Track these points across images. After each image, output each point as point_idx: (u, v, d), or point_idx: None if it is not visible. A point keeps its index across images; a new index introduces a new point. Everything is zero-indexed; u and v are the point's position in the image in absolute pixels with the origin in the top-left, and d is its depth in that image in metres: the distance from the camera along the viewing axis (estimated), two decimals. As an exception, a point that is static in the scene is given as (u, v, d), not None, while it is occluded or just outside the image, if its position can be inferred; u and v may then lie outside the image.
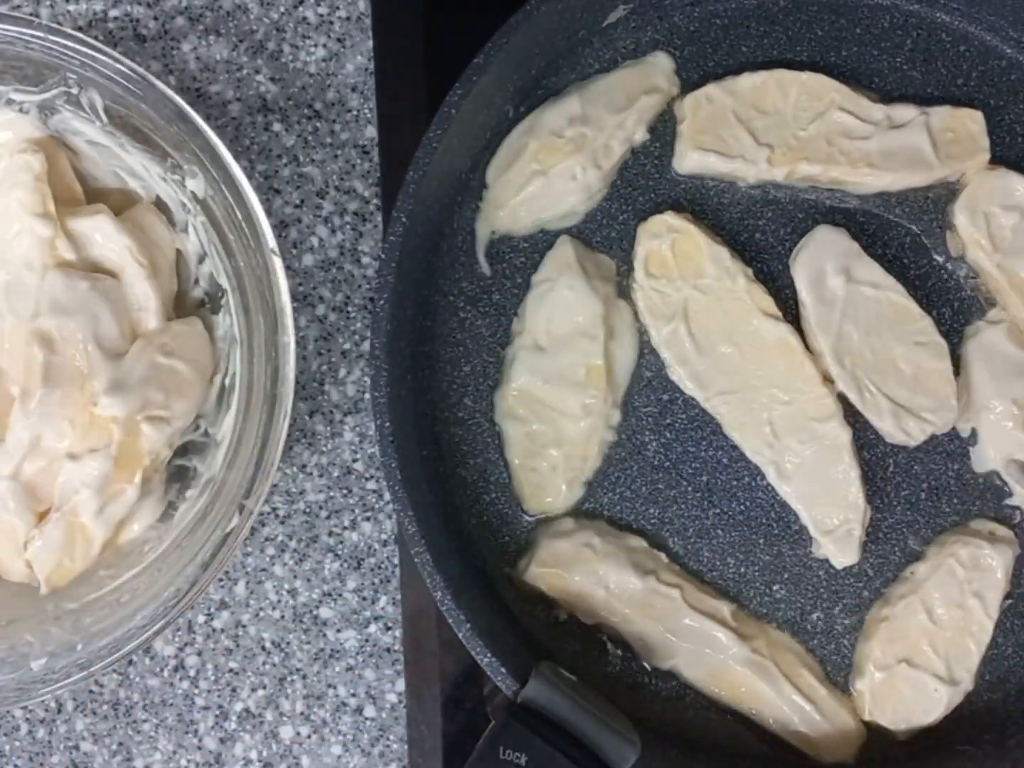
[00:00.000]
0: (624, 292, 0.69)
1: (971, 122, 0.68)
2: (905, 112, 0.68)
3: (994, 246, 0.68)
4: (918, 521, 0.68)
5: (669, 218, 0.68)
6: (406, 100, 0.72)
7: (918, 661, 0.66)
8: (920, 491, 0.69)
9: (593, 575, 0.66)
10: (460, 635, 0.63)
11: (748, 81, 0.68)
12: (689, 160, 0.69)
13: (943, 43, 0.71)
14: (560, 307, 0.67)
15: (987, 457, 0.68)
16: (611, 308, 0.68)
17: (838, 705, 0.66)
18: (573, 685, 0.62)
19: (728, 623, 0.66)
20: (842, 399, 0.67)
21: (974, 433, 0.68)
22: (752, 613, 0.68)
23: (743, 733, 0.67)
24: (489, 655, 0.62)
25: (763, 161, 0.68)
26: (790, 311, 0.69)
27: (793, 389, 0.67)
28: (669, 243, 0.68)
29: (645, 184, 0.70)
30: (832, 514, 0.67)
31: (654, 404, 0.69)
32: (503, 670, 0.62)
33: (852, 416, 0.68)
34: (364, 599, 0.73)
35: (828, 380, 0.67)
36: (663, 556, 0.68)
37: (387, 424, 0.63)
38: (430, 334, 0.69)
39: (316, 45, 0.74)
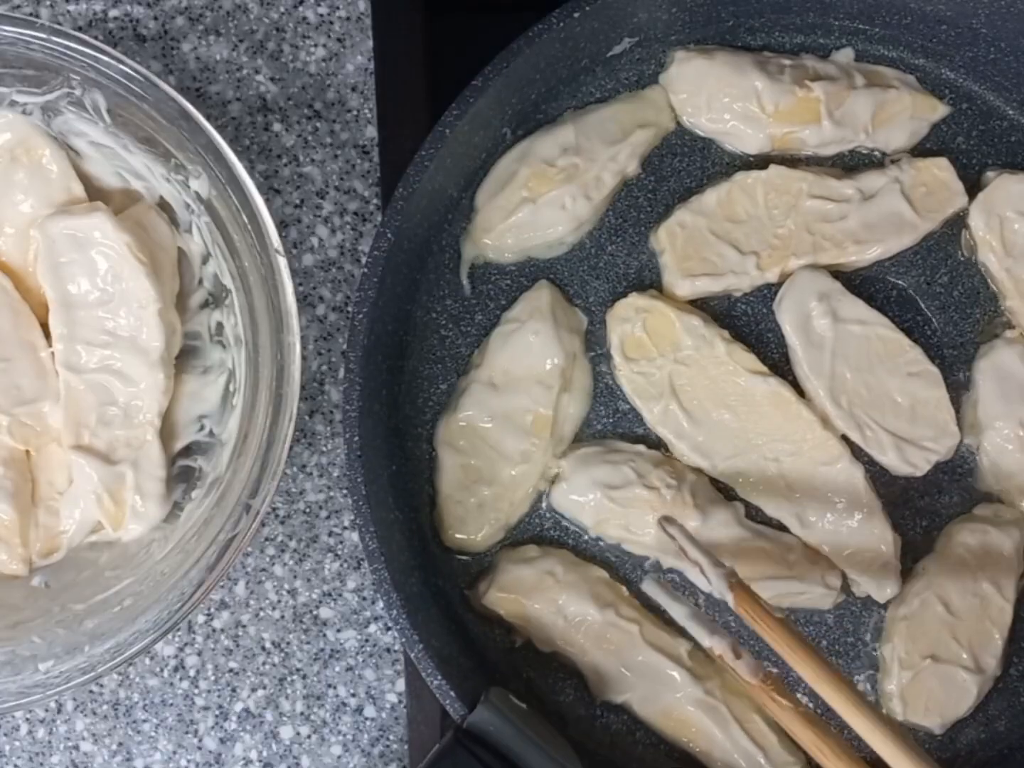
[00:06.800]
0: (591, 348, 0.69)
1: (939, 170, 0.68)
2: (874, 180, 0.68)
3: (1005, 250, 0.68)
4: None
5: (635, 299, 0.67)
6: (406, 100, 0.72)
7: (943, 655, 0.65)
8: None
9: (552, 603, 0.66)
10: (412, 655, 0.62)
11: (713, 196, 0.68)
12: (681, 289, 0.68)
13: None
14: (522, 350, 0.67)
15: (988, 476, 0.68)
16: (572, 363, 0.67)
17: (787, 753, 0.66)
18: (521, 713, 0.62)
19: (684, 662, 0.66)
20: (844, 439, 0.67)
21: (978, 450, 0.68)
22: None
23: (690, 773, 0.67)
24: (439, 678, 0.62)
25: (753, 269, 0.67)
26: (779, 353, 0.68)
27: (796, 439, 0.66)
28: (640, 324, 0.67)
29: (636, 217, 0.69)
30: (863, 551, 0.66)
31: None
32: (452, 694, 0.62)
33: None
34: (364, 599, 0.73)
35: (827, 422, 0.67)
36: (624, 589, 0.67)
37: (356, 439, 0.63)
38: (409, 350, 0.69)
39: (316, 45, 0.74)
